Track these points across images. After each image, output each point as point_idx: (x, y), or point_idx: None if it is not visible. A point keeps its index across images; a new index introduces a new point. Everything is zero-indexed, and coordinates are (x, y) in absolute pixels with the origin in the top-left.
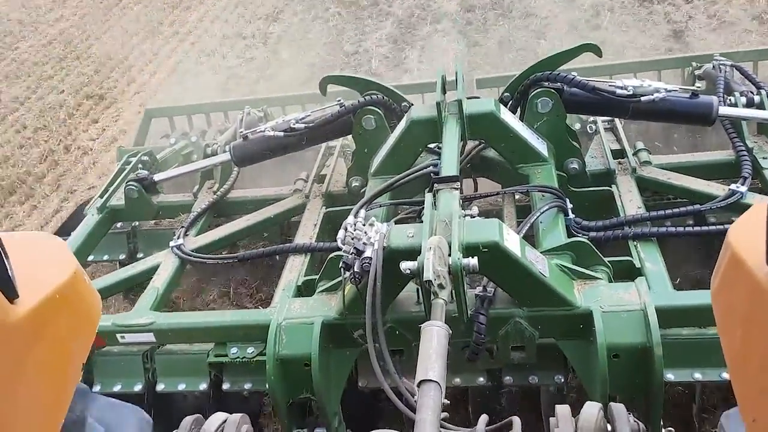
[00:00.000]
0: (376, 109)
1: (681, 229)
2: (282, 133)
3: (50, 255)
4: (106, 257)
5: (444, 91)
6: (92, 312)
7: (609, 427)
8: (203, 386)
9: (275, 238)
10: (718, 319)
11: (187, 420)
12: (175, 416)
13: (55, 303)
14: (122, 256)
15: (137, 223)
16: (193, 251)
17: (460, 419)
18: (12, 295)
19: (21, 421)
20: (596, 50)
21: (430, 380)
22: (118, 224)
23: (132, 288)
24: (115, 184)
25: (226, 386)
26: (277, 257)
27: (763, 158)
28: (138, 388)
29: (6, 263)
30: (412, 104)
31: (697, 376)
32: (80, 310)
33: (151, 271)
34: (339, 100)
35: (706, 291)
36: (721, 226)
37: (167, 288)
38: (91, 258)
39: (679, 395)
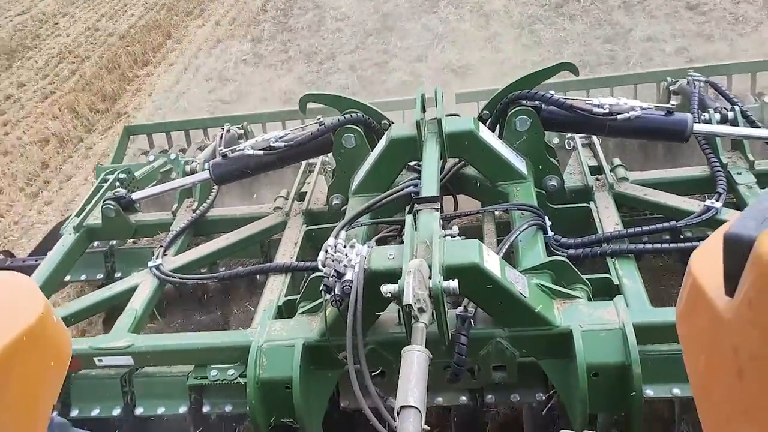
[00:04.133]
0: (356, 128)
1: (658, 245)
2: (261, 152)
3: (16, 296)
4: (83, 277)
5: (423, 110)
6: (62, 352)
7: None
8: (183, 409)
9: (255, 257)
10: (683, 345)
11: None
12: None
13: (23, 346)
14: (100, 276)
15: (114, 242)
16: (172, 271)
17: None
18: None
19: None
20: (573, 69)
21: (410, 406)
22: (95, 243)
23: (111, 310)
24: (92, 202)
25: (206, 409)
26: (257, 276)
27: (737, 174)
28: (116, 412)
29: None
30: (393, 122)
31: (676, 391)
32: (49, 351)
33: (130, 292)
34: (319, 119)
35: None
36: (697, 243)
37: (145, 309)
38: (68, 278)
39: (660, 409)
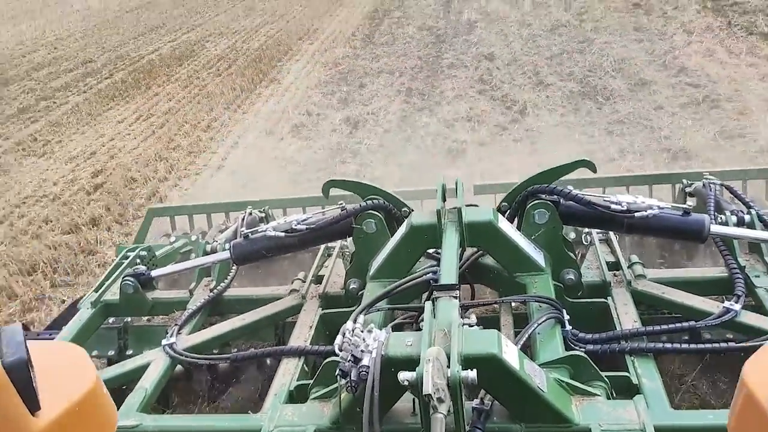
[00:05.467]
0: (377, 213)
1: (677, 345)
2: (283, 233)
3: (72, 366)
4: (95, 352)
5: (444, 199)
6: (109, 423)
7: None
8: None
9: (270, 339)
10: None
11: None
12: None
13: (74, 415)
14: (111, 353)
15: (129, 319)
16: (185, 350)
17: None
18: (35, 407)
19: None
20: (591, 166)
21: None
22: (110, 319)
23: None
24: (112, 278)
25: None
26: (268, 360)
27: (756, 276)
28: None
29: (32, 376)
30: (413, 210)
31: None
32: (97, 422)
33: (141, 370)
34: (341, 203)
35: (704, 411)
36: (716, 344)
37: (156, 388)
38: None
39: None
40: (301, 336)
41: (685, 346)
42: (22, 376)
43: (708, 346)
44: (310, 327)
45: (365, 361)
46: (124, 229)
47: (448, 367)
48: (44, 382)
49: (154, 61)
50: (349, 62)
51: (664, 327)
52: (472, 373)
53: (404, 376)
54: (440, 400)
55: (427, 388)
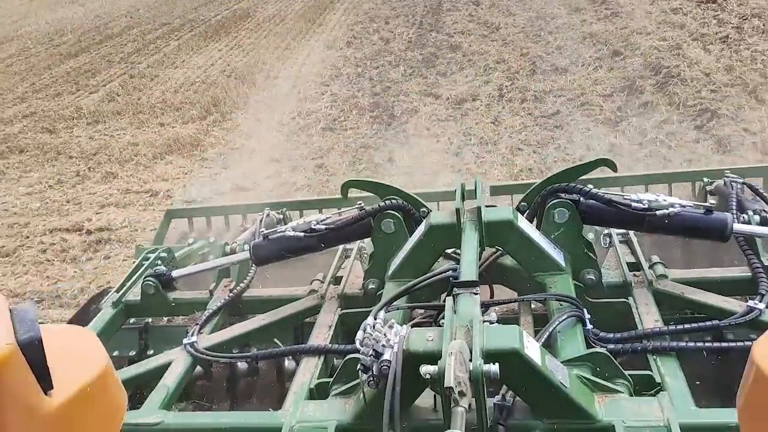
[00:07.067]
0: (396, 214)
1: (700, 344)
2: (302, 234)
3: (83, 349)
4: (116, 353)
5: (463, 199)
6: (119, 407)
7: None
8: None
9: (288, 340)
10: None
11: None
12: None
13: (86, 397)
14: (132, 353)
15: (150, 320)
16: (206, 349)
17: None
18: (48, 386)
19: None
20: (611, 165)
21: None
22: (131, 320)
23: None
24: (133, 279)
25: None
26: (289, 358)
27: None
28: None
29: (44, 355)
30: (431, 210)
31: None
32: (108, 405)
33: (163, 369)
34: (360, 203)
35: (729, 409)
36: (740, 343)
37: (177, 386)
38: None
39: None
40: (320, 336)
41: (708, 344)
42: (35, 354)
43: (732, 344)
44: (329, 327)
45: (387, 356)
46: (256, 89)
47: (470, 361)
48: (56, 363)
49: (221, 21)
50: (373, 12)
51: (687, 326)
52: (494, 367)
53: (426, 369)
54: (462, 394)
55: (449, 380)
